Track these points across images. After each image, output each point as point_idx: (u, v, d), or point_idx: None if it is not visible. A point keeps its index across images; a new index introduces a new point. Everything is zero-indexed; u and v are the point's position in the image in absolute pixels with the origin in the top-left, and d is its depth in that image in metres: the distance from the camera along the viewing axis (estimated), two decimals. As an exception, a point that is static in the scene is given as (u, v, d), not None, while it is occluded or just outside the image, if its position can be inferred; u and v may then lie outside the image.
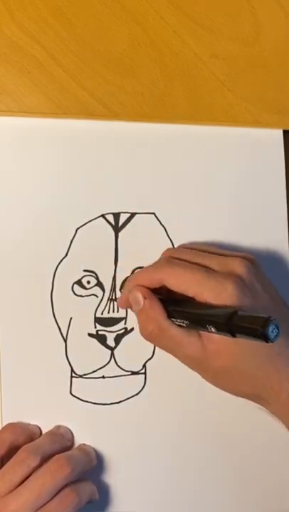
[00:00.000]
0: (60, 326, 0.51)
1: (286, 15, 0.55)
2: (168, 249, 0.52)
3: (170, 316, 0.46)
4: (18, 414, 0.50)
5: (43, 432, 0.50)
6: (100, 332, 0.52)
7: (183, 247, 0.52)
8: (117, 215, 0.53)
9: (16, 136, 0.52)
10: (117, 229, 0.53)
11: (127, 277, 0.50)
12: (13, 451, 0.47)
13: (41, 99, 0.52)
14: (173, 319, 0.46)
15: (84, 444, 0.50)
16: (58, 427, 0.50)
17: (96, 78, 0.53)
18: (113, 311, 0.52)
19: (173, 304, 0.47)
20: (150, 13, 0.53)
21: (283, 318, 0.46)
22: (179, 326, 0.46)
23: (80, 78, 0.53)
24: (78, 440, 0.51)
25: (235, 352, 0.45)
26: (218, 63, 0.54)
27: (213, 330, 0.43)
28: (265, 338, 0.39)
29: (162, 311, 0.46)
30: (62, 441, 0.49)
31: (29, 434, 0.49)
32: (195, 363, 0.46)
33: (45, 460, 0.46)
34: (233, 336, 0.41)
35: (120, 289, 0.52)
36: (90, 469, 0.49)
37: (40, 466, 0.46)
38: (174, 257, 0.49)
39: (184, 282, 0.45)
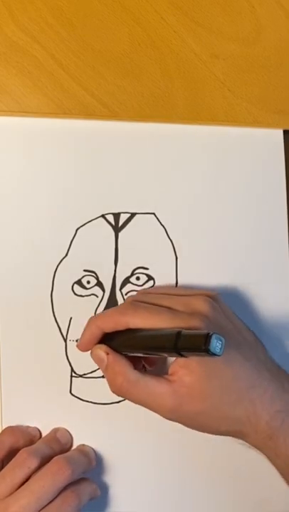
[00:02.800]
0: (60, 326, 0.51)
1: (286, 15, 0.55)
2: (130, 296, 0.51)
3: (123, 350, 0.46)
4: (18, 414, 0.50)
5: (43, 433, 0.50)
6: (99, 332, 0.52)
7: (146, 292, 0.51)
8: (117, 215, 0.53)
9: (16, 136, 0.53)
10: (117, 229, 0.53)
11: (92, 317, 0.49)
12: (12, 454, 0.47)
13: (41, 99, 0.52)
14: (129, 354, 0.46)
15: (83, 445, 0.50)
16: (57, 430, 0.50)
17: (96, 78, 0.53)
18: (113, 311, 0.52)
19: (123, 337, 0.46)
20: (150, 13, 0.53)
21: (253, 349, 0.47)
22: (146, 374, 0.46)
23: (80, 78, 0.53)
24: (78, 439, 0.51)
25: (207, 393, 0.44)
26: (219, 63, 0.54)
27: (165, 355, 0.44)
28: (210, 353, 0.39)
29: (127, 363, 0.46)
30: (61, 444, 0.49)
31: (29, 437, 0.49)
32: (169, 411, 0.45)
33: (44, 462, 0.46)
34: (183, 356, 0.42)
35: (120, 289, 0.52)
36: (90, 470, 0.49)
37: (40, 467, 0.46)
38: (138, 301, 0.48)
39: (150, 324, 0.45)
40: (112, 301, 0.52)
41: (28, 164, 0.53)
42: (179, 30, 0.54)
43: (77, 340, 0.51)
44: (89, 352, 0.51)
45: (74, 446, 0.51)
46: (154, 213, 0.54)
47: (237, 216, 0.55)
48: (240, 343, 0.46)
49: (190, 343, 0.41)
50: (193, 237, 0.54)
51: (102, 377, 0.51)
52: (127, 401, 0.51)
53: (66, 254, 0.52)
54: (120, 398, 0.51)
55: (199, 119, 0.54)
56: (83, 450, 0.50)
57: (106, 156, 0.54)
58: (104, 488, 0.51)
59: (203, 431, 0.46)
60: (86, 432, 0.51)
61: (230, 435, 0.47)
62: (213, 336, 0.40)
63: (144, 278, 0.53)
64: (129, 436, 0.52)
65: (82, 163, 0.53)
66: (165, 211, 0.54)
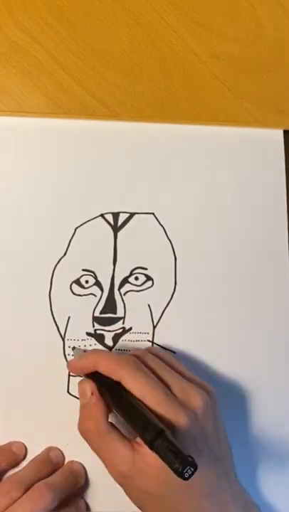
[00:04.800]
0: (59, 325, 0.51)
1: (286, 15, 0.55)
2: (136, 350, 0.50)
3: (106, 397, 0.46)
4: (15, 413, 0.50)
5: (39, 432, 0.50)
6: (98, 331, 0.52)
7: (151, 351, 0.50)
8: (116, 215, 0.53)
9: (16, 135, 0.53)
10: (116, 229, 0.53)
11: (96, 349, 0.49)
12: None
13: (41, 99, 0.52)
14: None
15: (72, 462, 0.50)
16: (50, 449, 0.50)
17: (96, 78, 0.53)
18: (111, 311, 0.52)
19: (114, 388, 0.45)
20: (150, 13, 0.54)
21: (223, 460, 0.46)
22: (117, 432, 0.45)
23: (80, 78, 0.53)
24: (74, 439, 0.51)
25: (162, 480, 0.42)
26: (219, 63, 0.54)
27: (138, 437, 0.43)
28: (179, 474, 0.38)
29: (104, 412, 0.45)
30: (52, 464, 0.49)
31: (12, 458, 0.49)
32: (120, 477, 0.44)
33: (29, 488, 0.46)
34: (151, 450, 0.40)
35: (119, 289, 0.52)
36: (78, 488, 0.49)
37: (23, 494, 0.45)
38: (143, 361, 0.47)
39: (142, 392, 0.44)
40: (110, 301, 0.52)
41: (27, 164, 0.53)
42: (179, 30, 0.54)
43: (75, 340, 0.51)
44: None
45: (72, 445, 0.51)
46: (153, 213, 0.54)
47: (237, 216, 0.55)
48: (214, 456, 0.45)
49: (166, 451, 0.39)
50: (193, 237, 0.54)
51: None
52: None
53: (65, 254, 0.52)
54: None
55: (199, 119, 0.54)
56: (71, 470, 0.49)
57: (106, 156, 0.54)
58: (98, 486, 0.51)
59: (137, 506, 0.45)
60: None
61: None
62: (191, 465, 0.38)
63: (142, 278, 0.53)
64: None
65: (81, 163, 0.53)
66: (164, 211, 0.54)
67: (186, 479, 0.38)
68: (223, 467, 0.46)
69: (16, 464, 0.49)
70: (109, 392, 0.45)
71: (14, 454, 0.49)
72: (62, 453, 0.50)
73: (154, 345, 0.52)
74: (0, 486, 0.46)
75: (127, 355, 0.49)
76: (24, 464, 0.50)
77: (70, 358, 0.51)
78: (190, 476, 0.38)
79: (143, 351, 0.49)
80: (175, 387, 0.46)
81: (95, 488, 0.50)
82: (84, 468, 0.50)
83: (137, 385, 0.44)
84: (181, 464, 0.38)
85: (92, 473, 0.50)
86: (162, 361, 0.48)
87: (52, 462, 0.49)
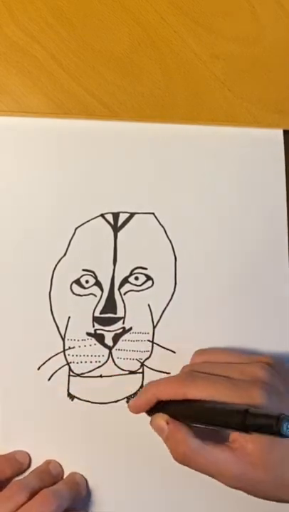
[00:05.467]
0: (59, 325, 0.51)
1: (286, 15, 0.55)
2: (187, 366, 0.51)
3: (182, 419, 0.46)
4: (15, 414, 0.50)
5: (39, 431, 0.50)
6: (98, 331, 0.52)
7: (200, 357, 0.51)
8: (116, 215, 0.53)
9: (16, 136, 0.53)
10: (116, 229, 0.53)
11: (150, 382, 0.49)
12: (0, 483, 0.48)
13: (41, 99, 0.52)
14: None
15: (74, 474, 0.50)
16: (49, 462, 0.50)
17: (96, 78, 0.53)
18: (111, 311, 0.52)
19: (182, 407, 0.46)
20: (150, 13, 0.53)
21: None
22: (208, 442, 0.45)
23: (80, 78, 0.53)
24: (76, 439, 0.51)
25: (269, 462, 0.44)
26: (219, 63, 0.54)
27: (228, 430, 0.44)
28: (281, 435, 0.40)
29: (188, 431, 0.46)
30: (52, 476, 0.49)
31: (16, 466, 0.49)
32: (232, 479, 0.45)
33: (34, 495, 0.46)
34: (249, 433, 0.42)
35: (119, 289, 0.52)
36: (80, 499, 0.49)
37: (28, 501, 0.45)
38: (195, 371, 0.48)
39: (210, 395, 0.45)
40: (110, 301, 0.52)
41: (27, 164, 0.53)
42: (179, 30, 0.54)
43: (75, 340, 0.51)
44: (87, 351, 0.51)
45: (72, 446, 0.51)
46: (153, 213, 0.54)
47: (237, 216, 0.55)
48: None
49: (259, 424, 0.41)
50: (193, 237, 0.54)
51: (100, 376, 0.52)
52: (124, 400, 0.51)
53: (65, 254, 0.52)
54: (118, 397, 0.51)
55: (199, 119, 0.54)
56: (72, 481, 0.50)
57: (106, 156, 0.54)
58: (100, 489, 0.51)
59: (265, 498, 0.46)
60: (83, 431, 0.51)
61: None
62: (285, 419, 0.40)
63: (142, 278, 0.53)
64: (127, 436, 0.52)
65: (81, 163, 0.53)
66: (164, 211, 0.54)
67: (288, 436, 0.40)
68: None
69: (21, 472, 0.50)
70: (182, 413, 0.46)
71: (18, 462, 0.49)
72: (61, 466, 0.50)
73: (154, 345, 0.52)
74: (5, 491, 0.46)
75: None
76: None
77: (69, 357, 0.51)
78: None
79: (194, 363, 0.50)
80: (234, 373, 0.46)
81: (96, 499, 0.51)
82: (85, 480, 0.50)
83: (202, 391, 0.45)
84: (278, 422, 0.40)
85: (93, 485, 0.51)
86: (209, 361, 0.49)
87: (52, 474, 0.49)
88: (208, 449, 0.45)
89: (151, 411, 0.48)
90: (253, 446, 0.43)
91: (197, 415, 0.45)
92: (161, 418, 0.47)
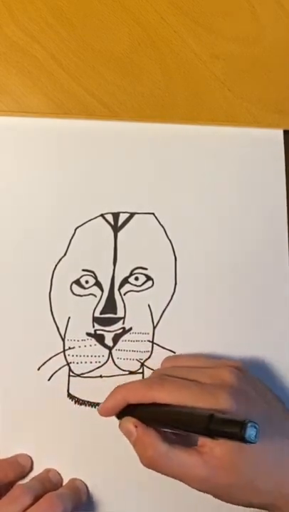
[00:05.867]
0: (59, 325, 0.51)
1: (286, 15, 0.55)
2: (157, 370, 0.51)
3: (150, 423, 0.46)
4: (16, 414, 0.50)
5: (39, 430, 0.50)
6: (98, 331, 0.52)
7: (170, 363, 0.51)
8: (116, 215, 0.53)
9: (16, 135, 0.53)
10: (116, 229, 0.53)
11: (118, 386, 0.48)
12: (3, 487, 0.47)
13: (41, 99, 0.52)
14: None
15: (74, 480, 0.50)
16: (48, 470, 0.50)
17: (96, 78, 0.53)
18: (111, 311, 0.52)
19: (150, 411, 0.46)
20: (150, 13, 0.53)
21: (281, 420, 0.46)
22: (176, 446, 0.45)
23: (80, 78, 0.53)
24: (76, 439, 0.51)
25: (237, 466, 0.43)
26: (219, 63, 0.54)
27: (193, 434, 0.44)
28: (245, 441, 0.40)
29: (156, 435, 0.46)
30: (52, 483, 0.49)
31: (19, 469, 0.49)
32: (201, 484, 0.45)
33: (37, 499, 0.46)
34: (214, 438, 0.42)
35: (119, 289, 0.52)
36: (81, 505, 0.49)
37: (32, 504, 0.45)
38: (165, 374, 0.48)
39: (178, 398, 0.44)
40: (110, 301, 0.52)
41: (27, 164, 0.53)
42: (179, 31, 0.54)
43: (75, 340, 0.51)
44: (87, 351, 0.51)
45: (72, 446, 0.51)
46: (153, 213, 0.54)
47: (237, 216, 0.55)
48: (269, 414, 0.46)
49: (224, 429, 0.41)
50: (193, 237, 0.54)
51: (100, 376, 0.51)
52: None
53: (65, 254, 0.52)
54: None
55: (199, 119, 0.54)
56: (74, 486, 0.50)
57: (106, 156, 0.54)
58: (100, 489, 0.51)
59: (235, 503, 0.46)
60: (83, 432, 0.51)
61: (262, 508, 0.46)
62: (249, 425, 0.40)
63: (142, 278, 0.53)
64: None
65: (81, 163, 0.53)
66: (164, 211, 0.54)
67: (255, 441, 0.40)
68: (283, 424, 0.46)
69: (23, 476, 0.50)
70: (150, 417, 0.46)
71: (21, 465, 0.49)
72: (59, 474, 0.50)
73: (154, 345, 0.52)
74: (10, 494, 0.46)
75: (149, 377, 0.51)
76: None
77: (69, 358, 0.51)
78: (256, 436, 0.40)
79: (164, 368, 0.51)
80: (203, 377, 0.46)
81: (96, 499, 0.51)
82: (85, 485, 0.50)
83: (169, 394, 0.45)
84: (242, 428, 0.39)
85: (93, 484, 0.51)
86: (178, 365, 0.50)
87: (52, 481, 0.49)
88: (175, 453, 0.45)
89: (121, 414, 0.47)
90: (221, 450, 0.43)
91: (164, 419, 0.45)
92: (130, 422, 0.46)
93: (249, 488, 0.44)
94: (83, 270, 0.52)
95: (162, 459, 0.45)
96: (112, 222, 0.53)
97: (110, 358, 0.52)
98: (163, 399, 0.45)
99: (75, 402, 0.51)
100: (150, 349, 0.52)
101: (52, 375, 0.51)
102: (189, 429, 0.44)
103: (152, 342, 0.52)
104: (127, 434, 0.47)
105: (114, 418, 0.48)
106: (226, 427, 0.41)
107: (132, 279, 0.53)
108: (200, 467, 0.44)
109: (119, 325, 0.52)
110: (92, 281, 0.52)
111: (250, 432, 0.40)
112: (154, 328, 0.52)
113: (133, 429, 0.46)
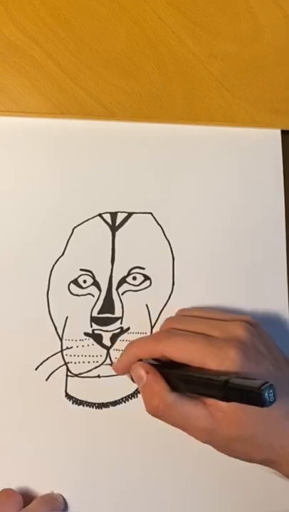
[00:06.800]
0: (56, 325, 0.51)
1: (284, 15, 0.55)
2: (168, 319, 0.51)
3: (169, 383, 0.46)
4: (13, 414, 0.50)
5: (38, 433, 0.50)
6: (95, 331, 0.52)
7: (182, 314, 0.51)
8: (114, 215, 0.53)
9: (14, 135, 0.53)
10: (114, 228, 0.53)
11: (130, 342, 0.48)
12: None
13: (39, 99, 0.52)
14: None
15: (52, 493, 0.50)
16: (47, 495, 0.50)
17: (94, 78, 0.53)
18: (109, 311, 0.52)
19: (169, 369, 0.46)
20: (148, 13, 0.54)
21: (286, 377, 0.46)
22: (183, 397, 0.45)
23: (78, 78, 0.53)
24: (74, 439, 0.51)
25: (242, 420, 0.43)
26: (217, 63, 0.54)
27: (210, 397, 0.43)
28: (262, 404, 0.39)
29: (165, 385, 0.46)
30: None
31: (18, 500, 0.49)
32: (204, 435, 0.45)
33: None
34: (229, 402, 0.42)
35: (117, 289, 0.52)
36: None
37: None
38: (174, 328, 0.48)
39: (186, 353, 0.45)
40: (108, 301, 0.52)
41: (25, 164, 0.53)
42: (177, 31, 0.54)
43: (73, 340, 0.51)
44: (84, 351, 0.51)
45: (70, 445, 0.51)
46: (151, 213, 0.54)
47: (234, 216, 0.55)
48: (277, 374, 0.46)
49: (241, 395, 0.40)
50: (191, 237, 0.54)
51: (98, 376, 0.51)
52: (122, 400, 0.51)
53: (63, 253, 0.52)
54: (116, 398, 0.51)
55: (197, 119, 0.54)
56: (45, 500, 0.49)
57: (103, 156, 0.54)
58: (98, 488, 0.51)
59: (236, 457, 0.46)
60: (81, 432, 0.51)
61: (262, 464, 0.46)
62: (265, 392, 0.39)
63: (140, 278, 0.53)
64: (125, 436, 0.51)
65: (79, 163, 0.53)
66: (162, 211, 0.54)
67: (271, 403, 0.39)
68: (288, 384, 0.45)
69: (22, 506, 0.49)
70: (163, 372, 0.46)
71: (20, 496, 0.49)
72: (63, 496, 0.50)
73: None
74: None
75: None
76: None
77: (67, 358, 0.51)
78: (274, 397, 0.39)
79: (174, 318, 0.50)
80: (214, 331, 0.46)
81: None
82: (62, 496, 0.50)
83: (178, 348, 0.45)
84: (259, 395, 0.39)
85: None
86: (189, 314, 0.49)
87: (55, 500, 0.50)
88: (182, 404, 0.45)
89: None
90: (228, 404, 0.43)
91: (177, 384, 0.45)
92: (142, 367, 0.47)
93: (251, 442, 0.44)
94: (81, 270, 0.52)
95: (168, 408, 0.45)
96: (110, 222, 0.53)
97: (108, 358, 0.51)
98: (171, 352, 0.45)
99: (73, 402, 0.51)
100: (148, 349, 0.52)
101: (50, 375, 0.51)
102: (204, 393, 0.43)
103: (150, 342, 0.52)
104: (137, 379, 0.47)
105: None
106: (242, 394, 0.40)
107: (129, 279, 0.53)
108: (205, 419, 0.44)
109: (117, 325, 0.52)
110: (90, 280, 0.52)
111: (268, 396, 0.39)
112: (152, 327, 0.52)
113: (144, 375, 0.46)
